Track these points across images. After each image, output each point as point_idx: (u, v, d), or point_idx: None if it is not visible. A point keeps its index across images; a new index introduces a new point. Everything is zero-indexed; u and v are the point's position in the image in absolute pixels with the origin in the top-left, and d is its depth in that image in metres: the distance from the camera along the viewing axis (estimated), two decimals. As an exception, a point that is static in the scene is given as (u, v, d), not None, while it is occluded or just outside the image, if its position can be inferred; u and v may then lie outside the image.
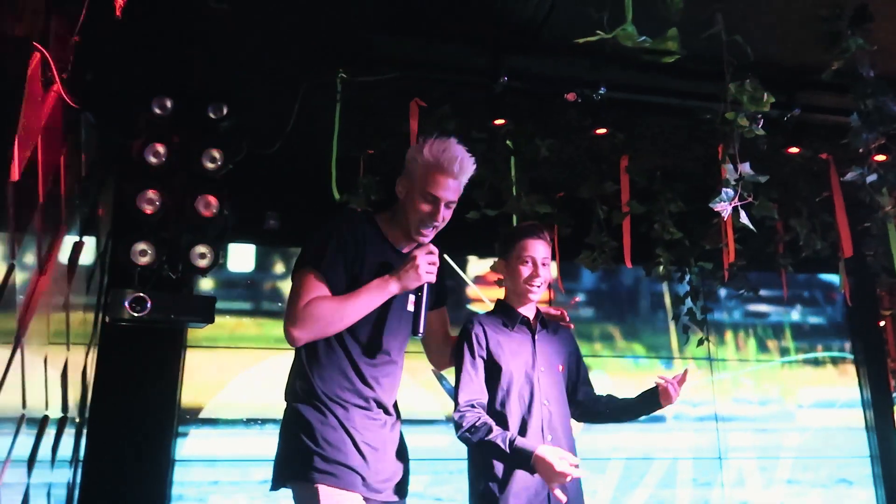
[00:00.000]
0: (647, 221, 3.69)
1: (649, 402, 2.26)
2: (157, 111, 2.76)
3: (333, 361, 1.86)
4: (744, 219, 2.22)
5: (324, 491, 1.75)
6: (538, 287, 2.22)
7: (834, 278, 4.98)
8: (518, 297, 2.26)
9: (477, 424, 2.04)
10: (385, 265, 1.88)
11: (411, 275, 1.83)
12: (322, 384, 1.84)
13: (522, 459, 1.96)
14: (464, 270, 4.32)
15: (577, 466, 1.92)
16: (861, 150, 2.50)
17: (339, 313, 1.79)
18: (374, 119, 3.36)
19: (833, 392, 4.87)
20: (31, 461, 2.44)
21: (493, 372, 2.16)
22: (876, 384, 4.81)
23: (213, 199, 2.78)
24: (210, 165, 2.78)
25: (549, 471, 1.90)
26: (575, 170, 3.67)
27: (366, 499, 1.81)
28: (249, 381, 4.06)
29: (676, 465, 4.43)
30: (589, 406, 2.33)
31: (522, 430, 2.11)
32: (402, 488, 1.95)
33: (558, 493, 1.91)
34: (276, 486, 1.86)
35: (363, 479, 1.80)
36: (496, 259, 2.31)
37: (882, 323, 5.71)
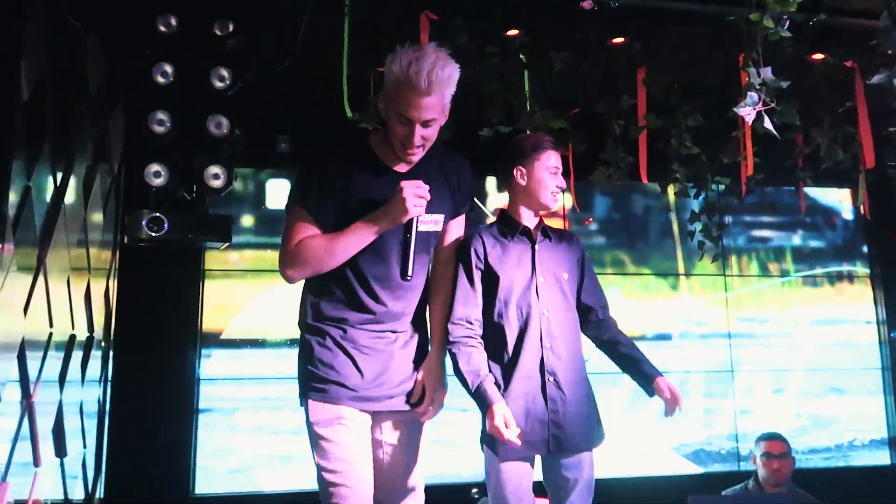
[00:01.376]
0: (665, 137, 3.61)
1: (642, 378, 2.25)
2: (163, 29, 2.70)
3: (336, 288, 1.90)
4: (767, 124, 2.17)
5: (311, 406, 1.87)
6: (555, 200, 2.24)
7: (835, 202, 4.92)
8: (538, 206, 2.24)
9: (462, 349, 2.08)
10: (377, 188, 1.85)
11: (398, 209, 1.79)
12: (323, 310, 1.91)
13: (481, 405, 2.04)
14: (480, 192, 4.28)
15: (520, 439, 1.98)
16: (890, 52, 2.41)
17: (329, 252, 1.81)
18: (384, 35, 3.26)
19: (847, 308, 4.88)
20: (62, 379, 2.52)
21: (491, 283, 2.17)
22: (891, 298, 4.82)
23: (223, 119, 2.75)
24: (219, 84, 2.73)
25: (493, 428, 1.98)
26: (591, 85, 3.57)
27: (364, 411, 1.89)
28: (268, 305, 4.13)
29: (689, 378, 4.52)
30: (594, 320, 2.33)
31: (520, 341, 2.14)
32: (411, 397, 1.99)
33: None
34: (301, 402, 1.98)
35: (354, 392, 1.87)
36: (513, 166, 2.25)
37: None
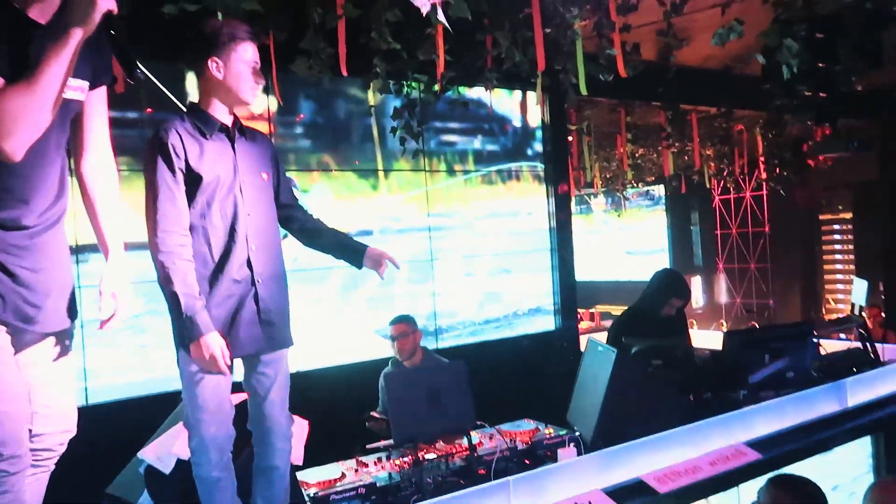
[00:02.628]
0: (366, 30, 3.60)
1: (353, 254, 2.32)
2: None
3: None
4: (441, 17, 2.27)
5: None
6: (255, 97, 2.11)
7: (507, 113, 5.55)
8: (236, 101, 2.10)
9: (177, 263, 1.95)
10: (16, 41, 1.50)
11: (85, 2, 1.47)
12: None
13: (190, 331, 1.94)
14: (164, 77, 3.87)
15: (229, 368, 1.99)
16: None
17: (37, 99, 1.42)
18: None
19: (527, 201, 5.58)
20: None
21: (192, 184, 2.02)
22: (559, 191, 5.63)
23: None
24: None
25: (204, 360, 1.94)
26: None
27: (19, 330, 1.58)
28: None
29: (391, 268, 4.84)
30: (296, 216, 2.33)
31: (228, 244, 2.06)
32: (73, 311, 1.73)
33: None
34: None
35: (3, 300, 1.55)
36: (208, 56, 2.05)
37: (570, 138, 6.56)
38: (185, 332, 1.95)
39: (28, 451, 1.59)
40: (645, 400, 2.75)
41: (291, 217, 2.32)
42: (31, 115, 1.45)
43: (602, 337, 3.87)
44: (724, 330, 8.71)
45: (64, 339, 1.73)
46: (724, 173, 8.63)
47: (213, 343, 1.94)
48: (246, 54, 2.07)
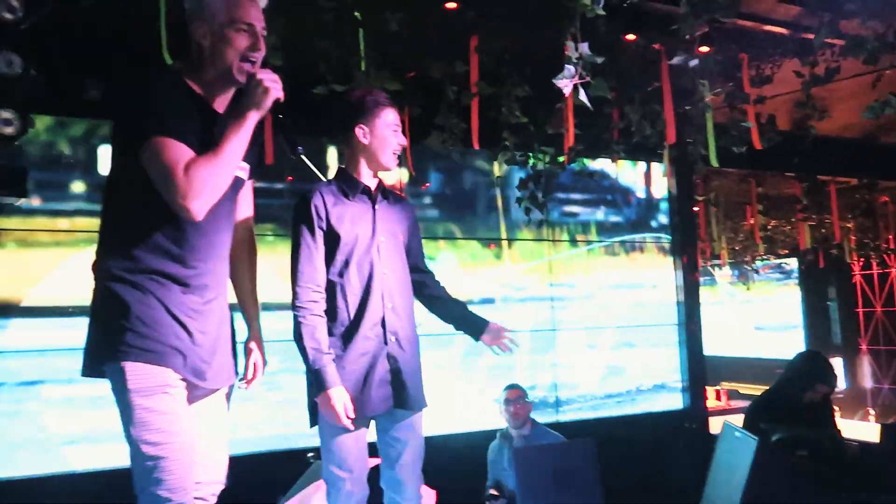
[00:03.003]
0: (496, 106, 3.74)
1: (473, 327, 2.37)
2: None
3: (147, 232, 1.68)
4: (582, 96, 2.32)
5: (130, 370, 1.63)
6: (395, 159, 2.23)
7: (631, 184, 5.52)
8: (379, 165, 2.23)
9: (308, 317, 2.08)
10: (204, 126, 1.71)
11: (259, 91, 1.67)
12: (140, 258, 1.68)
13: (317, 385, 2.04)
14: (313, 154, 4.18)
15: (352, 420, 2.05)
16: (687, 37, 2.66)
17: (221, 167, 1.63)
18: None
19: (651, 273, 5.43)
20: None
21: (332, 242, 2.14)
22: (688, 262, 5.44)
23: (15, 57, 2.42)
24: (8, 16, 2.39)
25: (329, 412, 2.03)
26: (426, 49, 3.60)
27: (191, 385, 1.72)
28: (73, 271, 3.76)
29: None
30: (426, 282, 2.40)
31: (363, 302, 2.14)
32: (235, 369, 1.89)
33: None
34: (86, 371, 1.73)
35: (184, 358, 1.68)
36: (355, 123, 2.21)
37: (696, 208, 6.38)
38: (316, 386, 2.05)
39: (193, 501, 1.70)
40: (789, 495, 2.53)
41: (422, 282, 2.39)
42: (215, 181, 1.63)
43: (733, 419, 3.63)
44: (872, 419, 7.91)
45: (225, 394, 1.87)
46: (867, 247, 8.02)
47: (337, 397, 2.01)
48: (388, 118, 2.21)
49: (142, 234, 1.69)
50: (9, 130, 2.46)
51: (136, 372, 1.63)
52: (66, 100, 3.49)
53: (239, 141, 1.66)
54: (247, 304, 1.99)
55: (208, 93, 1.76)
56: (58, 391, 3.67)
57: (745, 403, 5.74)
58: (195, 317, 1.73)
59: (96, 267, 1.74)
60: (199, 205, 1.61)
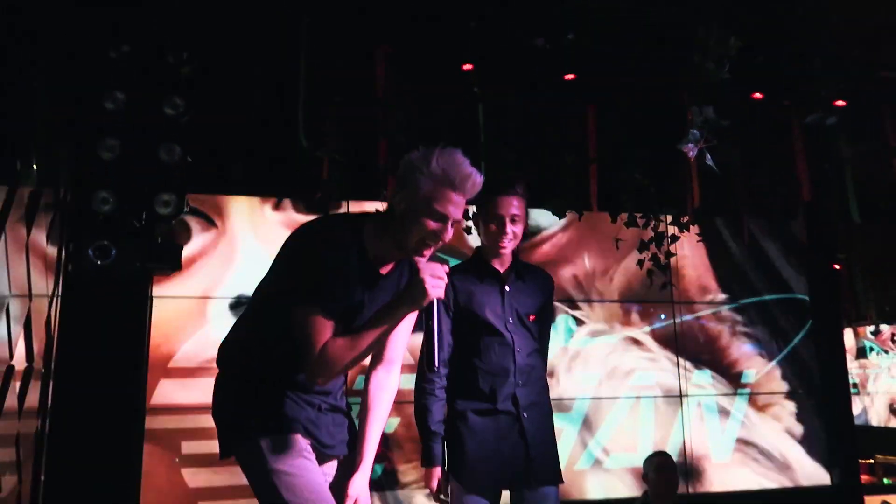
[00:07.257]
0: (615, 168, 3.71)
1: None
2: (113, 56, 2.67)
3: (281, 351, 1.77)
4: (708, 160, 2.27)
5: (267, 443, 1.74)
6: (506, 245, 2.25)
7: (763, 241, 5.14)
8: (488, 251, 2.29)
9: (432, 399, 2.20)
10: (364, 285, 1.78)
11: (418, 291, 1.66)
12: (267, 369, 1.79)
13: (425, 457, 2.19)
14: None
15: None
16: (823, 94, 2.55)
17: (353, 352, 1.69)
18: (339, 65, 3.29)
19: (788, 332, 5.06)
20: (-2, 412, 2.42)
21: (464, 323, 2.22)
22: (829, 323, 5.03)
23: (176, 147, 2.72)
24: (171, 112, 2.71)
25: (429, 484, 2.18)
26: (543, 119, 3.66)
27: (318, 455, 1.81)
28: (218, 331, 4.05)
29: (639, 403, 4.61)
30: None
31: (494, 380, 2.20)
32: (351, 443, 1.93)
33: None
34: (224, 453, 1.82)
35: (307, 430, 1.78)
36: (476, 214, 2.31)
37: (837, 266, 5.90)
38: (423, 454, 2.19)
39: None
40: None
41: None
42: (348, 363, 1.71)
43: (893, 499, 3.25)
44: None
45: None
46: None
47: (436, 477, 2.16)
48: (496, 210, 2.22)
49: (272, 350, 1.78)
50: (167, 211, 2.76)
51: (273, 443, 1.76)
52: (215, 179, 3.84)
53: (383, 333, 1.71)
54: (360, 442, 1.94)
55: (380, 252, 1.79)
56: (196, 447, 3.91)
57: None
58: (322, 412, 1.87)
59: (224, 357, 1.88)
60: (324, 380, 1.75)
